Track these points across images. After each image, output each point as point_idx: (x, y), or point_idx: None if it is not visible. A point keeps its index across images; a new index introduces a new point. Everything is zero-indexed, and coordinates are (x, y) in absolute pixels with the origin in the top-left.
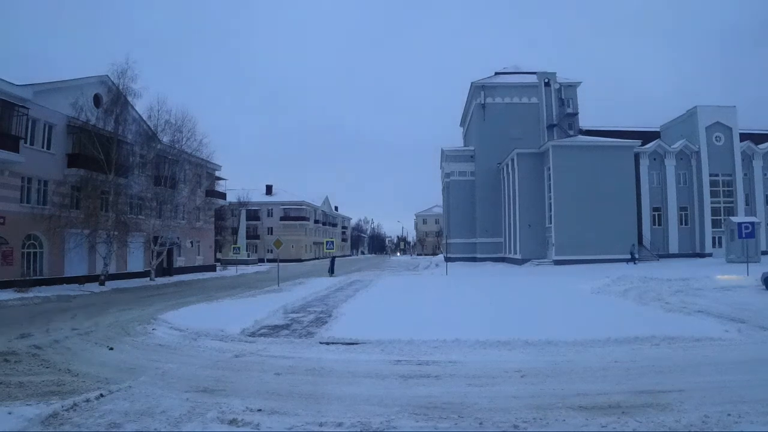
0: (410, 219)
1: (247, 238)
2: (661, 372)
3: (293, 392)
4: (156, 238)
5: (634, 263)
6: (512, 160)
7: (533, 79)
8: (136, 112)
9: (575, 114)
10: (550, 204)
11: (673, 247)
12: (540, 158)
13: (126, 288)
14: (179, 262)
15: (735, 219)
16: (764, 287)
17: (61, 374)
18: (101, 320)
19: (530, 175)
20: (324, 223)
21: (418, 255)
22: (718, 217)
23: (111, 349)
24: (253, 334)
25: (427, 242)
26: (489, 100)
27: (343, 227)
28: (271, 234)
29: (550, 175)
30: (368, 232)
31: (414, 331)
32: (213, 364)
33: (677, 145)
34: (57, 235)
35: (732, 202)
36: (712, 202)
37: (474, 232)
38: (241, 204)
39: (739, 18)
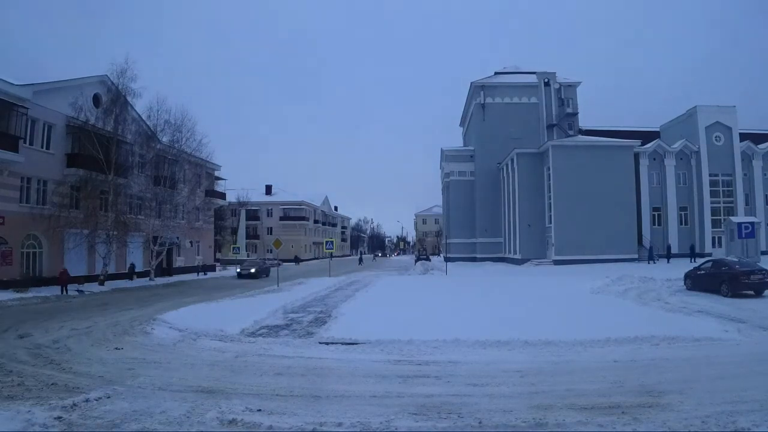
0: (410, 219)
1: (247, 238)
2: (661, 372)
3: (293, 392)
4: (155, 238)
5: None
6: (512, 160)
7: (533, 79)
8: (136, 111)
9: (575, 114)
10: (550, 204)
11: (673, 247)
12: (540, 158)
13: (125, 288)
14: (179, 262)
15: (735, 219)
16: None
17: (61, 374)
18: (100, 320)
19: (530, 175)
20: (323, 223)
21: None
22: (718, 217)
23: (119, 349)
24: (252, 334)
25: (427, 242)
26: (489, 100)
27: (343, 227)
28: (271, 234)
29: (549, 175)
30: (368, 232)
31: (413, 331)
32: (212, 364)
33: (677, 145)
34: (56, 235)
35: (732, 202)
36: (711, 202)
37: (474, 232)
38: (240, 204)
39: (740, 18)
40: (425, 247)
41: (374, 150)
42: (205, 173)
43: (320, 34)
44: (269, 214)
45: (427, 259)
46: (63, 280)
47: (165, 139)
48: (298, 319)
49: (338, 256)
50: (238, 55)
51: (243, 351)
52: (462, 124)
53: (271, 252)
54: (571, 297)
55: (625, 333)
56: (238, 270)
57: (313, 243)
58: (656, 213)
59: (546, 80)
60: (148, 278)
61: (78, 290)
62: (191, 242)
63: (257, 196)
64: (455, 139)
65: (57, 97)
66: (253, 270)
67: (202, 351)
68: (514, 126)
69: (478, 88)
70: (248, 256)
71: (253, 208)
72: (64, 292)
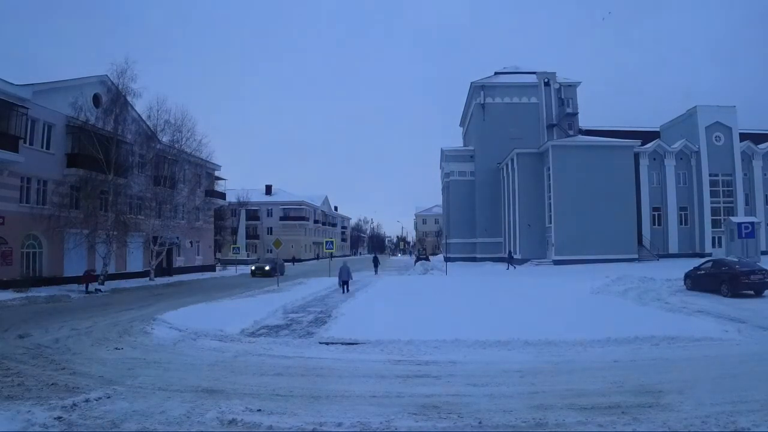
0: (410, 219)
1: (247, 238)
2: (661, 372)
3: (293, 392)
4: (155, 238)
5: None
6: (512, 160)
7: (533, 79)
8: (136, 111)
9: (575, 114)
10: (550, 204)
11: (673, 247)
12: (540, 158)
13: (125, 288)
14: (179, 262)
15: (735, 219)
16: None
17: (61, 374)
18: (100, 320)
19: (530, 175)
20: (323, 223)
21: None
22: (718, 217)
23: (119, 348)
24: (252, 334)
25: (427, 242)
26: (489, 100)
27: (343, 227)
28: (271, 234)
29: (549, 175)
30: (368, 232)
31: (413, 331)
32: (212, 365)
33: (677, 145)
34: (56, 235)
35: (732, 202)
36: (712, 202)
37: (474, 232)
38: (240, 204)
39: (739, 17)
40: (425, 247)
41: (374, 150)
42: (205, 173)
43: (320, 33)
44: (269, 214)
45: (427, 259)
46: (88, 279)
47: (165, 139)
48: (298, 319)
49: (338, 256)
50: (237, 55)
51: (243, 351)
52: (462, 124)
53: (270, 252)
54: (571, 297)
55: (625, 333)
56: (252, 268)
57: (313, 243)
58: (656, 213)
59: (546, 80)
60: (148, 278)
61: (97, 289)
62: (191, 242)
63: (257, 196)
64: (455, 139)
65: (57, 97)
66: (267, 268)
67: (202, 351)
68: (514, 126)
69: (478, 88)
70: (248, 256)
71: (253, 208)
72: (88, 290)
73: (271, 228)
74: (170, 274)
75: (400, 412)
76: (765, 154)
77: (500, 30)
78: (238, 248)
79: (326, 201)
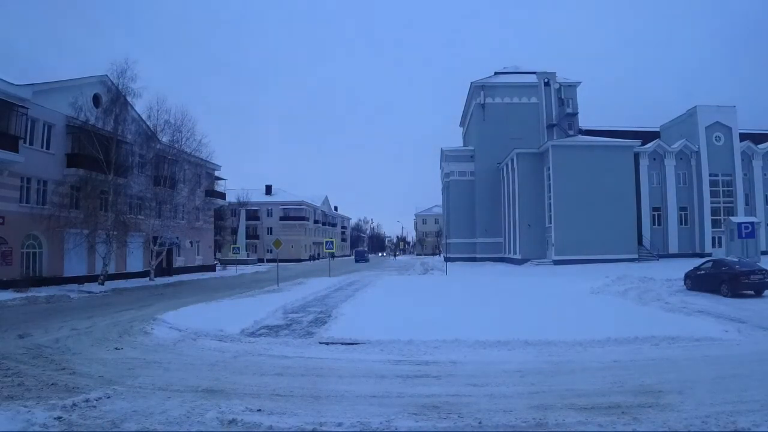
0: (410, 219)
1: (247, 238)
2: (661, 372)
3: (293, 392)
4: (155, 238)
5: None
6: (512, 160)
7: (533, 79)
8: (136, 111)
9: (575, 114)
10: (550, 204)
11: (673, 247)
12: (540, 158)
13: (125, 288)
14: (179, 262)
15: (735, 219)
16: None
17: (61, 374)
18: (100, 320)
19: (530, 175)
20: (323, 223)
21: (417, 255)
22: (718, 217)
23: (119, 348)
24: (252, 334)
25: (427, 242)
26: (489, 100)
27: (343, 227)
28: (271, 234)
29: (549, 175)
30: (368, 232)
31: (413, 332)
32: (212, 365)
33: (677, 145)
34: (56, 235)
35: (732, 202)
36: (712, 202)
37: (474, 232)
38: (240, 204)
39: (739, 18)
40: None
41: (374, 150)
42: (205, 173)
43: (319, 33)
44: (269, 214)
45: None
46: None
47: (165, 139)
48: (298, 319)
49: (338, 256)
50: (237, 56)
51: (243, 351)
52: (462, 124)
53: (270, 252)
54: (571, 297)
55: (625, 333)
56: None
57: (313, 243)
58: (656, 213)
59: (546, 80)
60: (147, 278)
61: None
62: (191, 242)
63: (257, 196)
64: (455, 139)
65: (57, 97)
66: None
67: (202, 351)
68: (514, 126)
69: (478, 88)
70: (248, 256)
71: (253, 208)
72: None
73: (271, 228)
74: (170, 274)
75: (400, 412)
76: (765, 154)
77: (501, 30)
78: (238, 248)
79: (326, 201)
